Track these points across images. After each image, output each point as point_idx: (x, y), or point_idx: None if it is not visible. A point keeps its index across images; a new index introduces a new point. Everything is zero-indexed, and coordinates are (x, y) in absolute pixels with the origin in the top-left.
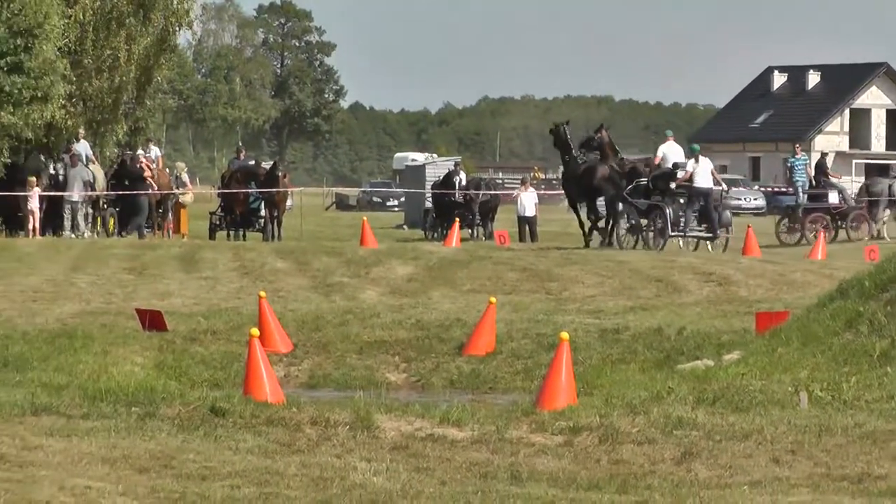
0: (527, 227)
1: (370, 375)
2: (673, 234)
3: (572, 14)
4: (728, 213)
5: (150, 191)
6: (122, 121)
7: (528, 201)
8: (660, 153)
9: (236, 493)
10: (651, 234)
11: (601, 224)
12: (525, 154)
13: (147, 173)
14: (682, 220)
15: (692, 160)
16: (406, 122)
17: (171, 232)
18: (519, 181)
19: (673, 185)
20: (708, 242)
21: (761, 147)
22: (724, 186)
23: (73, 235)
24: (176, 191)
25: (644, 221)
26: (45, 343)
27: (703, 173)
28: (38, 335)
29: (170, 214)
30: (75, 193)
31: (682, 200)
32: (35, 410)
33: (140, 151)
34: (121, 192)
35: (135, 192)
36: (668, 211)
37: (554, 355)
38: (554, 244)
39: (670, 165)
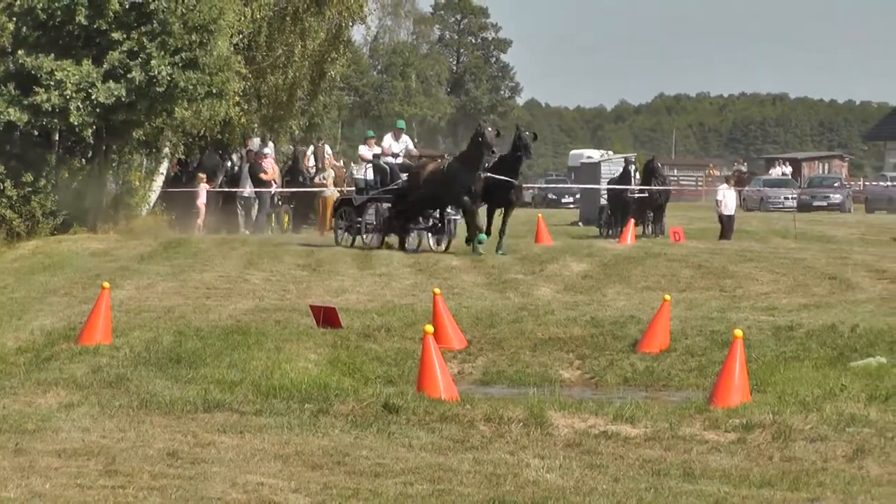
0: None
1: (544, 372)
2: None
3: (747, 11)
4: None
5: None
6: (296, 117)
7: (731, 200)
8: None
9: (409, 490)
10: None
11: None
12: (700, 151)
13: (268, 175)
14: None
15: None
16: (582, 118)
17: None
18: (695, 178)
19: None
20: None
21: None
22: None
23: (246, 232)
24: (349, 188)
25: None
26: (219, 339)
27: None
28: (212, 331)
29: None
30: (247, 189)
31: None
32: (208, 407)
33: (310, 147)
34: (294, 189)
35: (308, 189)
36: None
37: (728, 353)
38: (744, 241)
39: None
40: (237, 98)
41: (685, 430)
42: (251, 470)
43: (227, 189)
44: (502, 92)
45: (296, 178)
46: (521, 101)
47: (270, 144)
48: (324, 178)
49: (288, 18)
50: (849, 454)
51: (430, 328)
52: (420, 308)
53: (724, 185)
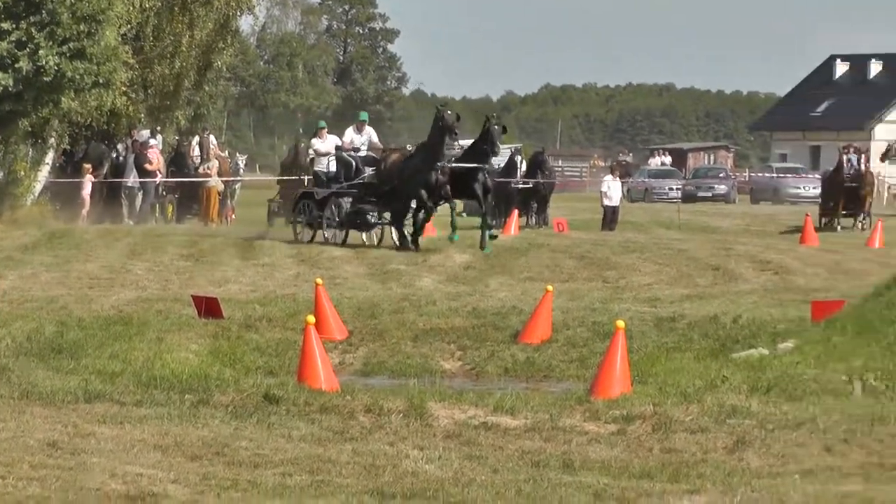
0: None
1: (425, 363)
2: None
3: (634, 1)
4: None
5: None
6: (183, 107)
7: (615, 191)
8: None
9: (288, 481)
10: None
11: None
12: (586, 142)
13: (153, 165)
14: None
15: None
16: (468, 109)
17: (229, 219)
18: (581, 169)
19: None
20: None
21: (822, 136)
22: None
23: (130, 222)
24: (237, 178)
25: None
26: (101, 330)
27: None
28: (94, 322)
29: (229, 202)
30: (130, 180)
31: None
32: (88, 398)
33: (196, 137)
34: (179, 179)
35: (192, 179)
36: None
37: (609, 344)
38: (628, 232)
39: None
40: (124, 88)
41: (565, 422)
42: (130, 460)
43: (111, 179)
44: (389, 82)
45: (180, 169)
46: (407, 91)
47: (159, 137)
48: (208, 168)
49: (176, 8)
50: (729, 446)
51: (311, 319)
52: (302, 298)
53: (609, 176)
